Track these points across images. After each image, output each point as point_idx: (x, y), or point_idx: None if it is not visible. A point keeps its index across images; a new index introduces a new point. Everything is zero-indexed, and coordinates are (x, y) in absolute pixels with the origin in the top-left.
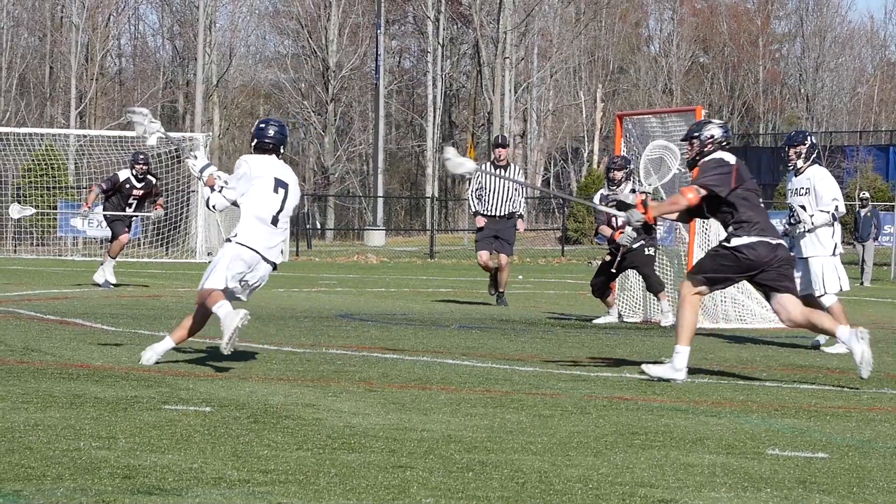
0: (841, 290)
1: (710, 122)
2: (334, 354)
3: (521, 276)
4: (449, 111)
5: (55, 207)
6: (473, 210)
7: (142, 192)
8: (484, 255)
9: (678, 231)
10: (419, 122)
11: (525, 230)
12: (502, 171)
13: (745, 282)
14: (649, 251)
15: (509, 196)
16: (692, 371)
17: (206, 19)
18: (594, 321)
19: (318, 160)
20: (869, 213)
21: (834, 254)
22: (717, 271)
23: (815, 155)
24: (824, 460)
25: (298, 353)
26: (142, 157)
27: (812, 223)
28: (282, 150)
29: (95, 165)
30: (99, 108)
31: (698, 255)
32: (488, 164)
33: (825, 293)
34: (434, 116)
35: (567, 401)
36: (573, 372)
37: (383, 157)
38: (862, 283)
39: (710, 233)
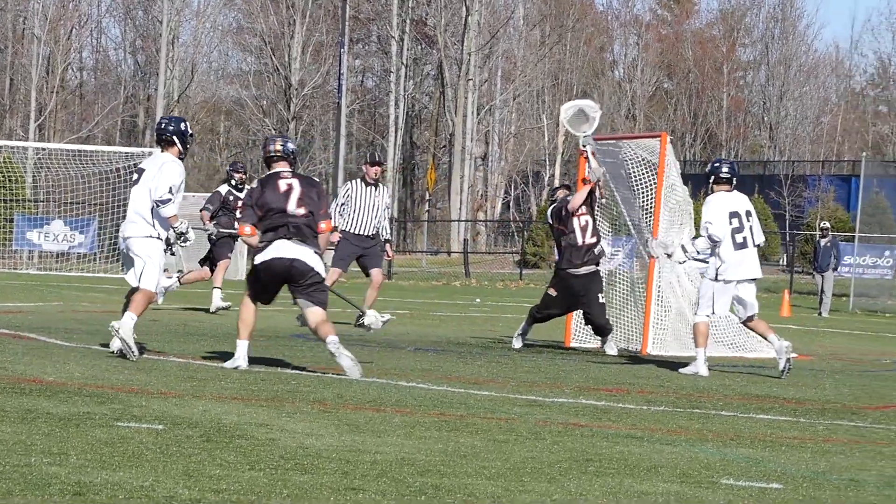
0: (713, 312)
1: (272, 138)
2: (289, 374)
3: (478, 300)
4: (410, 132)
5: (11, 220)
6: (332, 224)
7: None
8: (336, 273)
9: (639, 256)
10: (380, 142)
11: (487, 252)
12: (372, 189)
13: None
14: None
15: (377, 215)
16: (648, 399)
17: (168, 34)
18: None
19: None
20: (829, 244)
21: (716, 279)
22: (252, 284)
23: (713, 181)
24: (779, 491)
25: (253, 372)
26: (240, 165)
27: (673, 250)
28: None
29: (53, 179)
30: (59, 122)
31: (665, 275)
32: (358, 180)
33: (696, 312)
34: (395, 137)
35: (522, 426)
36: (528, 397)
37: (343, 176)
38: (820, 314)
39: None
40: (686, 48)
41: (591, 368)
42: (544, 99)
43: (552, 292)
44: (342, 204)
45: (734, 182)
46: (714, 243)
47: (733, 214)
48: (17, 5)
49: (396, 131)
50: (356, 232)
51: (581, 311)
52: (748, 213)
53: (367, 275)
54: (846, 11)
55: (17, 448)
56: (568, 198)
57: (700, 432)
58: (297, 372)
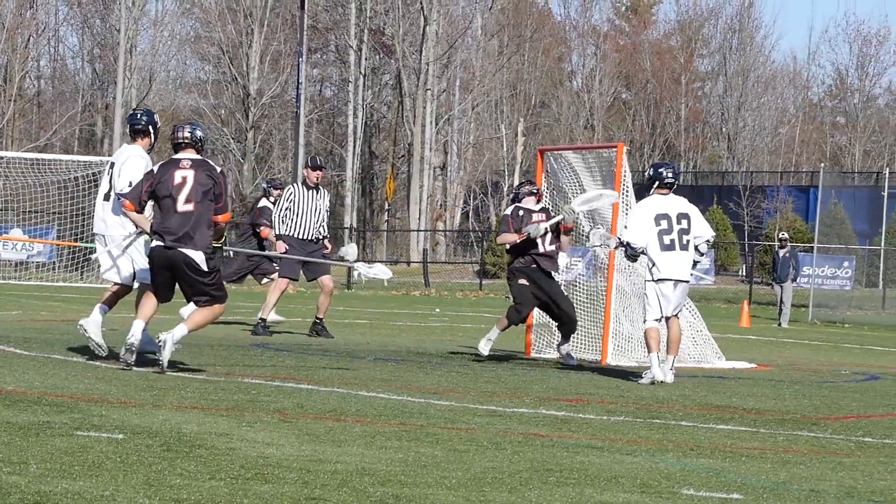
0: (661, 316)
1: (181, 125)
2: (249, 384)
3: (437, 310)
4: (369, 141)
5: None
6: (276, 233)
7: None
8: (284, 283)
9: (598, 264)
10: (339, 152)
11: (446, 262)
12: (314, 193)
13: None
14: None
15: (319, 219)
16: (609, 410)
17: (126, 43)
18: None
19: (237, 187)
20: (788, 254)
21: (654, 280)
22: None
23: (656, 185)
24: (739, 501)
25: (213, 381)
26: (278, 182)
27: (614, 243)
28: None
29: (12, 187)
30: (16, 130)
31: (621, 284)
32: (299, 184)
33: (644, 319)
34: (354, 146)
35: (482, 436)
36: (489, 407)
37: None
38: (780, 325)
39: (631, 269)
40: (644, 59)
41: (552, 379)
42: (503, 109)
43: (523, 282)
44: (286, 208)
45: (674, 186)
46: (631, 248)
47: (662, 216)
48: None
49: (355, 141)
50: (300, 237)
51: (547, 317)
52: (682, 216)
53: (311, 280)
54: (804, 22)
55: None
56: (519, 209)
57: (660, 442)
58: (257, 381)
